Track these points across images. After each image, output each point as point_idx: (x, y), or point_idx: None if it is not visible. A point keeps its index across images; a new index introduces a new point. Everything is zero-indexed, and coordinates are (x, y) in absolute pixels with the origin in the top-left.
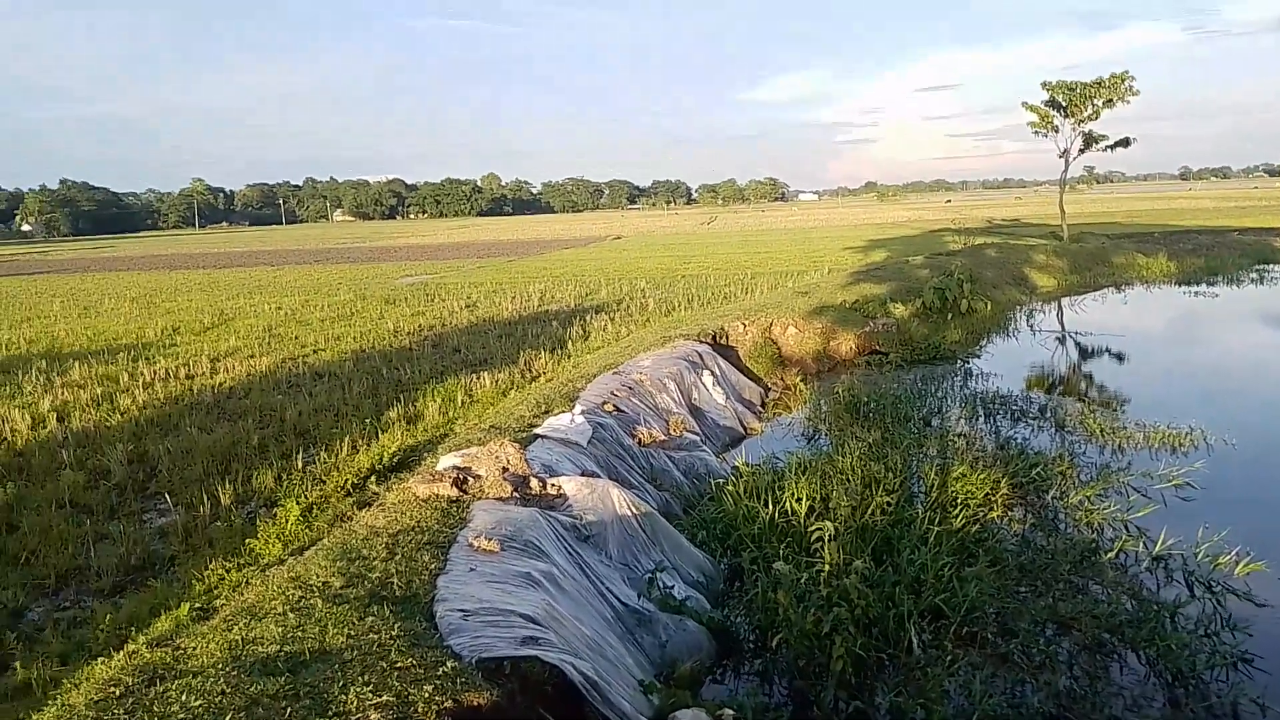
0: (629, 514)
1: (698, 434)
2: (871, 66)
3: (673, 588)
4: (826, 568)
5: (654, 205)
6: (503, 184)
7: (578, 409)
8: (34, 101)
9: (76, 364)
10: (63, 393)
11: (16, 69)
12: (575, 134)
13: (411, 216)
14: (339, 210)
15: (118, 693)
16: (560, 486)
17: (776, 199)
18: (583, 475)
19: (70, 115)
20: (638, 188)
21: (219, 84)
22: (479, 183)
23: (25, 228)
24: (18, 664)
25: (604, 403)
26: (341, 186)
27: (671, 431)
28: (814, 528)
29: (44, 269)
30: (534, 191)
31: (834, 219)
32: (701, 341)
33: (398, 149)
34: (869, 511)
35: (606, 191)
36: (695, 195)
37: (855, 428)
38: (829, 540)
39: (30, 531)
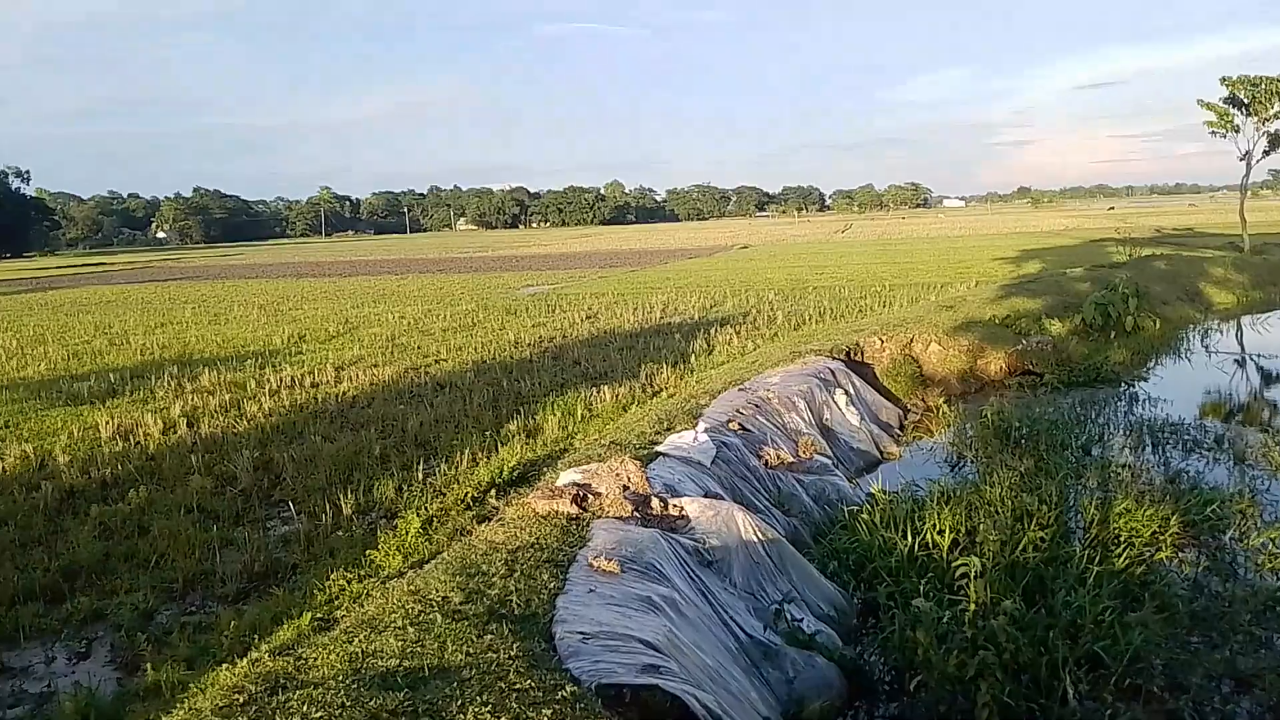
0: (754, 539)
1: (829, 457)
2: (1025, 63)
3: (801, 620)
4: (972, 607)
5: (784, 212)
6: (626, 191)
7: (701, 426)
8: (171, 114)
9: (206, 370)
10: (193, 398)
11: (154, 83)
12: (702, 139)
13: (533, 225)
14: (462, 219)
15: (241, 700)
16: (682, 507)
17: (918, 205)
18: (706, 496)
19: (204, 127)
20: (767, 194)
21: (347, 95)
22: (602, 190)
23: (160, 235)
24: (149, 665)
25: (729, 421)
26: (465, 195)
27: (800, 453)
28: (958, 563)
29: (177, 275)
30: (658, 199)
31: (982, 227)
32: (834, 358)
33: (521, 157)
34: (1020, 547)
35: (734, 198)
36: (829, 202)
37: (1005, 455)
38: (975, 577)
39: (160, 535)
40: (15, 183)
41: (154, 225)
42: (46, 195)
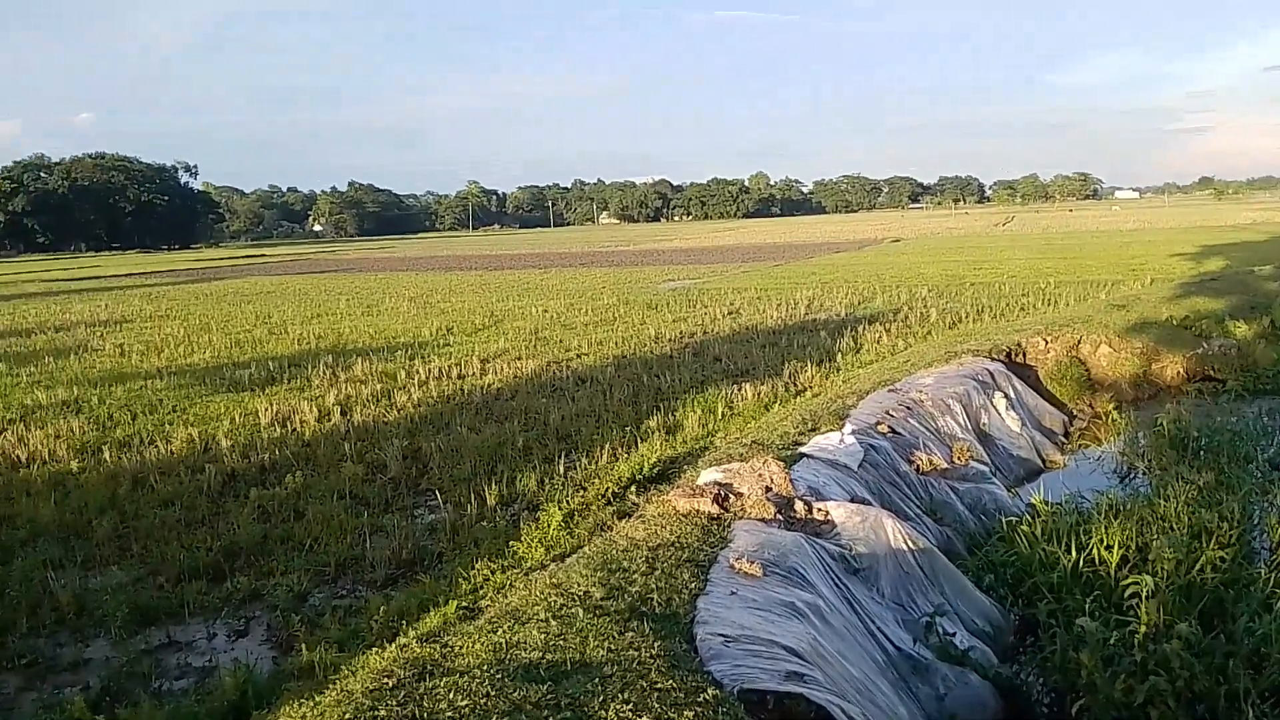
0: (904, 548)
1: (986, 463)
2: (1205, 43)
3: (954, 635)
4: (1142, 629)
5: (939, 204)
6: (771, 183)
7: (848, 428)
8: (326, 108)
9: (359, 360)
10: (346, 387)
11: (311, 80)
12: (853, 128)
13: (676, 218)
14: (605, 212)
15: (390, 684)
16: (828, 511)
17: (1087, 196)
18: (852, 501)
19: (359, 121)
20: (921, 185)
21: (495, 90)
22: (746, 182)
23: (317, 228)
24: (303, 646)
25: (878, 423)
26: (608, 189)
27: (955, 459)
28: (1128, 581)
29: (332, 267)
30: (804, 191)
31: (1159, 220)
32: (993, 359)
33: (665, 149)
34: (1197, 567)
35: (885, 189)
36: (989, 193)
37: (1181, 467)
38: (1146, 597)
39: (314, 520)
40: (184, 177)
41: (311, 218)
42: (212, 189)
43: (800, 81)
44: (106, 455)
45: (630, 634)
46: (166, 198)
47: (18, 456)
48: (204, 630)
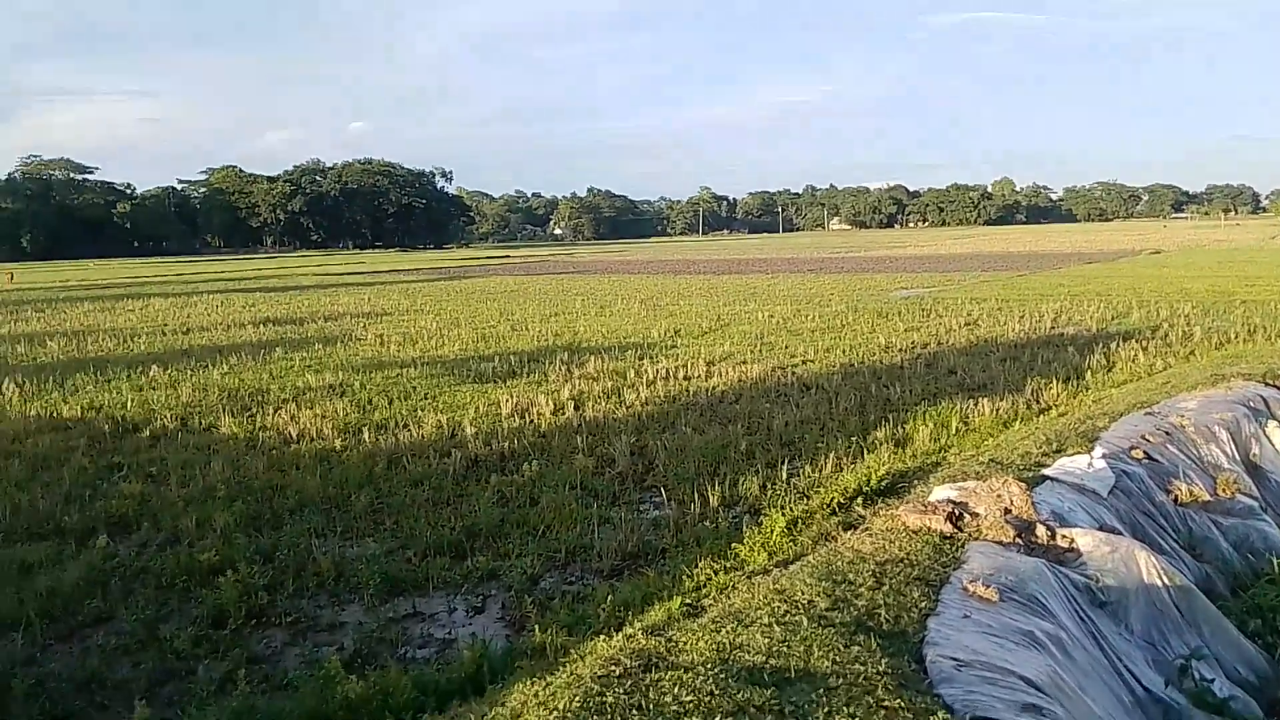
0: (1158, 584)
1: (1255, 498)
2: None
3: (1212, 681)
4: None
5: (1206, 214)
6: (1016, 189)
7: (1098, 451)
8: (568, 120)
9: (592, 358)
10: (579, 383)
11: (554, 94)
12: (1109, 132)
13: (910, 225)
14: (836, 218)
15: (617, 672)
16: (1072, 539)
17: None
18: (1101, 530)
19: (599, 131)
20: (1185, 193)
21: (728, 98)
22: (989, 188)
23: (557, 231)
24: (536, 627)
25: (1131, 447)
26: (840, 194)
27: (1219, 491)
28: None
29: (569, 269)
30: (1053, 198)
31: None
32: (1268, 384)
33: (901, 154)
34: None
35: (1145, 197)
36: (1265, 202)
37: None
38: None
39: (547, 507)
40: (440, 182)
41: (552, 222)
42: (465, 193)
43: (1054, 83)
44: (365, 436)
45: (856, 647)
46: (424, 201)
47: (290, 433)
48: (445, 604)
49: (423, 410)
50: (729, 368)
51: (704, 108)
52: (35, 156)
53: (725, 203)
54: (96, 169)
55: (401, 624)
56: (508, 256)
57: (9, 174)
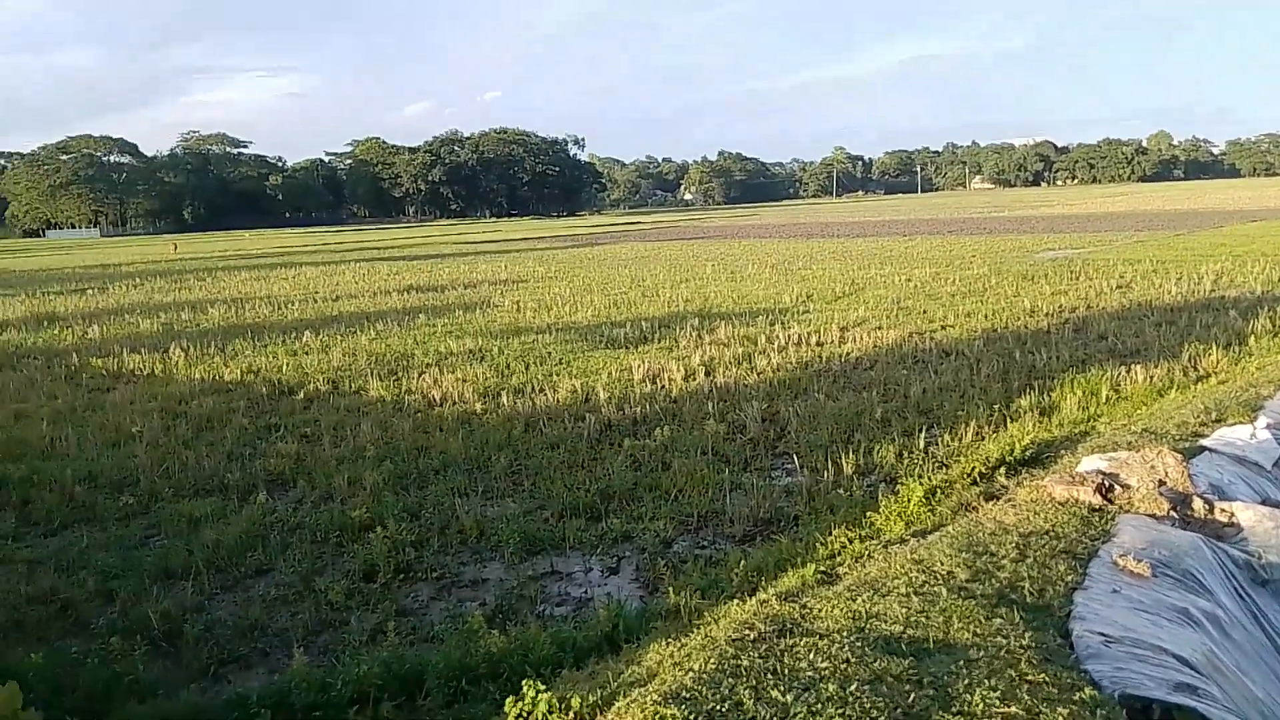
0: None
1: None
2: None
3: None
4: None
5: None
6: (1174, 144)
7: (1262, 421)
8: (699, 82)
9: (722, 324)
10: (710, 349)
11: (690, 59)
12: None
13: (1058, 183)
14: (978, 177)
15: (752, 636)
16: (1232, 513)
17: None
18: (1263, 504)
19: (728, 93)
20: None
21: (861, 54)
22: (1144, 143)
23: (687, 196)
24: (671, 589)
25: None
26: (983, 151)
27: None
28: None
29: (699, 234)
30: (1214, 152)
31: None
32: None
33: (1048, 109)
34: None
35: None
36: None
37: None
38: None
39: (679, 472)
40: (573, 149)
41: (682, 187)
42: (597, 160)
43: (1213, 30)
44: (504, 400)
45: (998, 620)
46: (558, 168)
47: (433, 396)
48: (581, 564)
49: (558, 375)
50: (864, 333)
51: (837, 65)
52: (194, 132)
53: (860, 163)
54: (250, 143)
55: (540, 582)
56: (639, 222)
57: (171, 149)
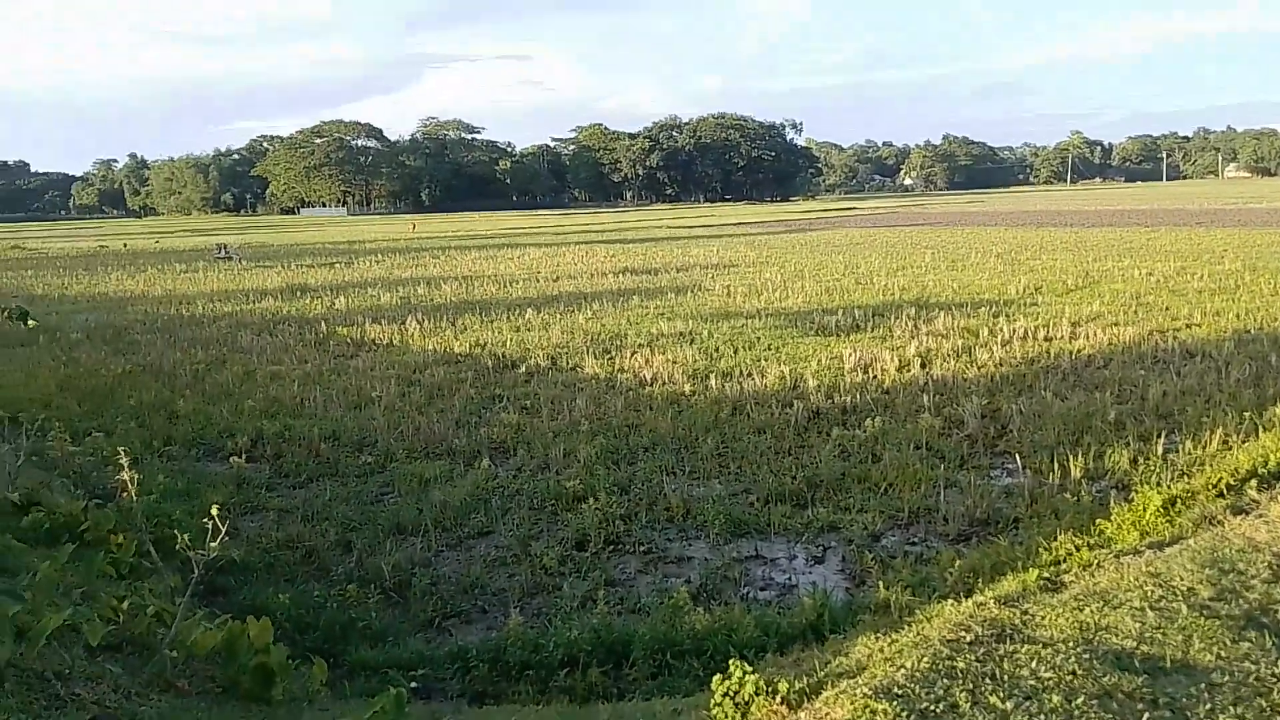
0: None
1: None
2: None
3: None
4: None
5: None
6: None
7: None
8: (922, 64)
9: (941, 314)
10: (926, 340)
11: (906, 40)
12: None
13: None
14: (1232, 164)
15: (968, 639)
16: None
17: None
18: None
19: (953, 73)
20: None
21: (1102, 32)
22: None
23: (907, 182)
24: (881, 583)
25: None
26: (1239, 137)
27: None
28: None
29: (918, 221)
30: None
31: None
32: None
33: None
34: None
35: None
36: None
37: None
38: None
39: (890, 465)
40: (790, 134)
41: (902, 172)
42: (813, 145)
43: None
44: (712, 382)
45: (1246, 644)
46: (773, 153)
47: (645, 376)
48: (786, 550)
49: (766, 360)
50: (1097, 329)
51: (1075, 43)
52: (433, 119)
53: (1099, 148)
54: (483, 129)
55: (744, 565)
56: (854, 208)
57: (411, 135)
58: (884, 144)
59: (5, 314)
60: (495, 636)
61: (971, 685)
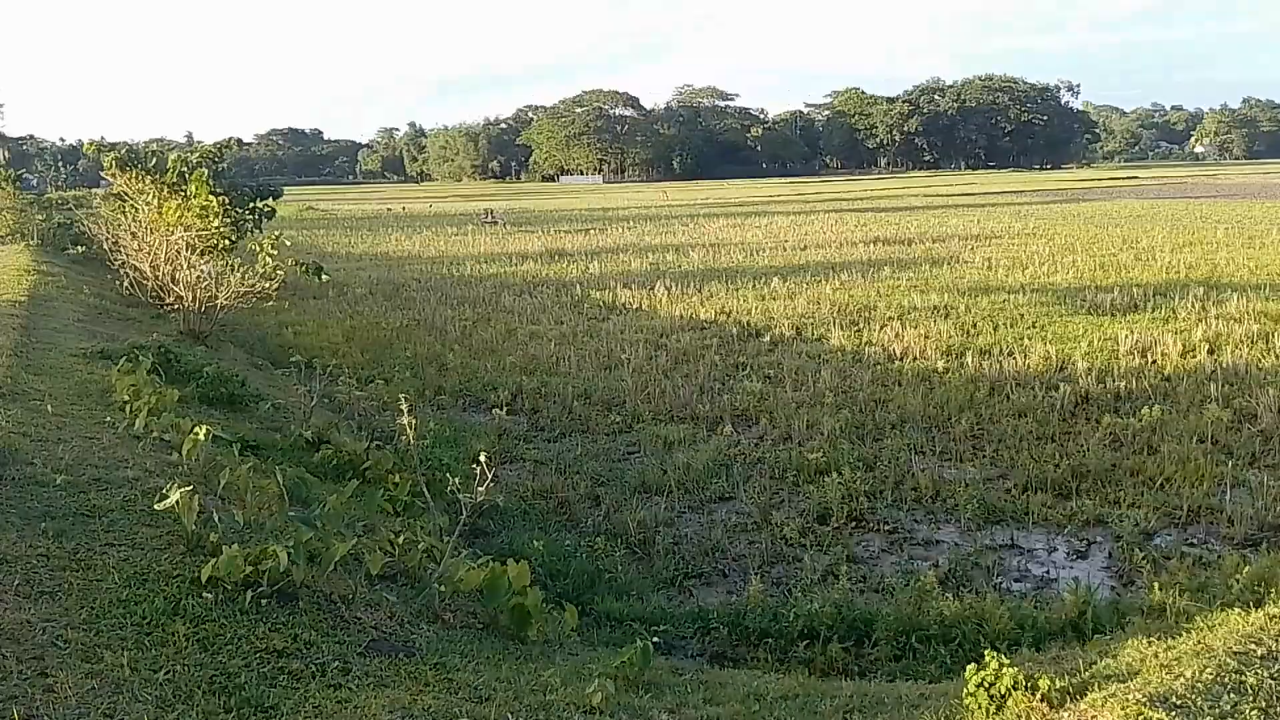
0: None
1: None
2: None
3: None
4: None
5: None
6: None
7: None
8: (1220, 19)
9: (1234, 296)
10: (1216, 324)
11: None
12: None
13: None
14: None
15: (1259, 652)
16: None
17: None
18: None
19: (1257, 31)
20: None
21: None
22: None
23: (1198, 149)
24: (1155, 585)
25: None
26: None
27: None
28: None
29: (1210, 193)
30: None
31: None
32: None
33: None
34: None
35: None
36: None
37: None
38: None
39: (1168, 459)
40: (1065, 96)
41: (1193, 139)
42: (1091, 108)
43: None
44: (968, 360)
45: None
46: (1045, 117)
47: (894, 350)
48: (1045, 542)
49: (1029, 339)
50: None
51: None
52: (688, 86)
53: None
54: (737, 95)
55: (998, 553)
56: (1135, 177)
57: (666, 103)
58: (1172, 108)
59: (304, 268)
60: (735, 601)
61: (1264, 704)
